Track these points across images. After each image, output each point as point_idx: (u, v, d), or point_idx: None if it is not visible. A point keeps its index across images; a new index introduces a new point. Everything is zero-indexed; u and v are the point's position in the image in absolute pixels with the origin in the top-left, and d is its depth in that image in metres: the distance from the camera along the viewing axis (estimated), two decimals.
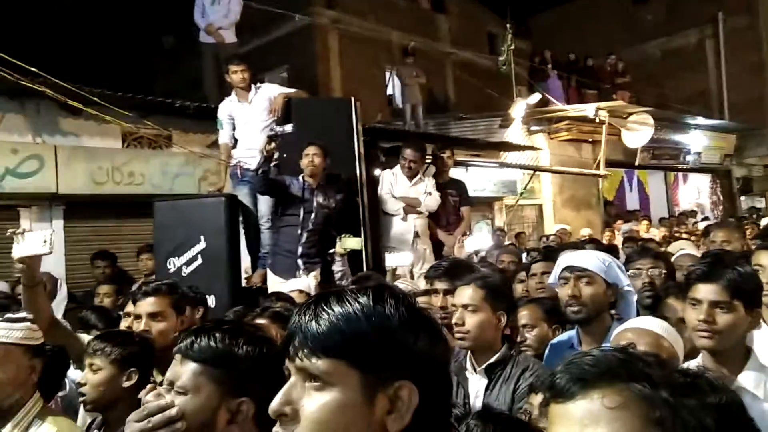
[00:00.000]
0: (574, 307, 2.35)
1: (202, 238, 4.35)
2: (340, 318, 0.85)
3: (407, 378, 0.85)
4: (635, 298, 2.54)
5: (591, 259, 2.43)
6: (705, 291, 1.92)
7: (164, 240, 4.51)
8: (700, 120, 14.17)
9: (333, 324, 0.85)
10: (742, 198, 16.02)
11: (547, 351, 2.57)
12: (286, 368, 0.88)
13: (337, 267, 4.61)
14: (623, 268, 2.58)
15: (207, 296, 3.50)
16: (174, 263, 4.38)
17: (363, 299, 0.87)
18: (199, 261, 4.34)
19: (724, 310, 1.89)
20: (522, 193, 10.63)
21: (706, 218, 12.96)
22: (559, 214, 11.55)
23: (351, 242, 4.53)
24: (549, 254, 3.71)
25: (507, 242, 9.15)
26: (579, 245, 4.90)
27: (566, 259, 2.49)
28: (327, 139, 4.66)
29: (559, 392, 0.76)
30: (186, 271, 4.32)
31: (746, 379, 1.87)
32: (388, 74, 13.16)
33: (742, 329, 1.92)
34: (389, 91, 13.42)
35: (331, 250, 4.57)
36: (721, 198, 16.10)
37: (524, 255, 5.85)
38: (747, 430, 0.77)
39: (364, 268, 4.68)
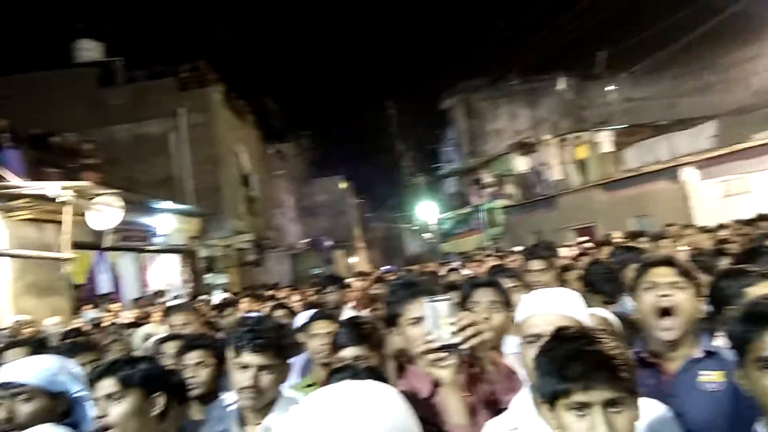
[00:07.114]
0: None
1: None
2: None
3: None
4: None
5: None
6: None
7: None
8: (168, 204, 15.10)
9: None
10: (208, 275, 17.68)
11: None
12: None
13: None
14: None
15: None
16: None
17: None
18: None
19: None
20: None
21: (177, 296, 13.63)
22: (19, 303, 10.15)
23: None
24: None
25: None
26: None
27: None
28: None
29: None
30: None
31: None
32: None
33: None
34: None
35: None
36: (190, 276, 17.38)
37: None
38: None
39: None
